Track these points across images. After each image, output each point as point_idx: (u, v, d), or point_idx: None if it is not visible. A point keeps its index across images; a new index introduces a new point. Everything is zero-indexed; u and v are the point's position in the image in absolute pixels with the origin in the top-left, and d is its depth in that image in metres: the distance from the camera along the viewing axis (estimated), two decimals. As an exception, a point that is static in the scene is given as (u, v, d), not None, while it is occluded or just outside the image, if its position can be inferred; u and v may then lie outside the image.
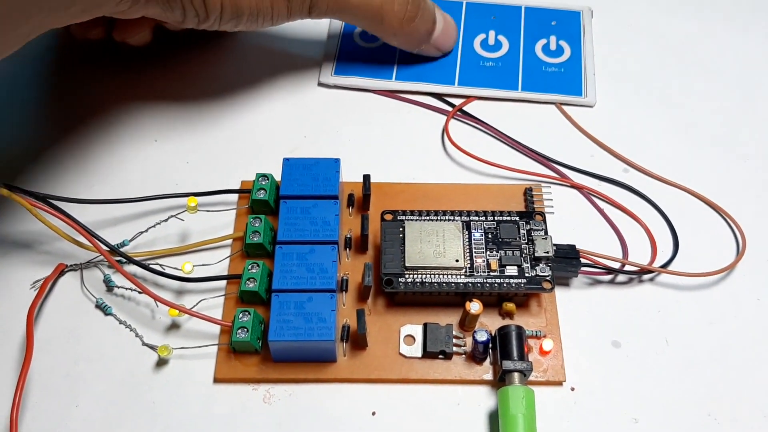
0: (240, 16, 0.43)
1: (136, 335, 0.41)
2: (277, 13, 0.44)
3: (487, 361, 0.41)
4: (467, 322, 0.41)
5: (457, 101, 0.51)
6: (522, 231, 0.42)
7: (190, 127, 0.49)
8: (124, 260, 0.42)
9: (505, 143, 0.49)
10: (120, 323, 0.41)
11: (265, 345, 0.40)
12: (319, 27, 0.54)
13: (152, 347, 0.40)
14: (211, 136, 0.49)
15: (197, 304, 0.41)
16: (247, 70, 0.52)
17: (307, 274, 0.40)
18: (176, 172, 0.47)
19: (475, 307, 0.40)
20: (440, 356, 0.40)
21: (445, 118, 0.50)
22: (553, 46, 0.54)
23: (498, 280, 0.41)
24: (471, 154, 0.47)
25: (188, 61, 0.52)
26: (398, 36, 0.49)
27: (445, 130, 0.49)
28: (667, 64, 0.53)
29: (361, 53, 0.53)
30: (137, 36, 0.48)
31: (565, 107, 0.51)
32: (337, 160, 0.44)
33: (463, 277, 0.41)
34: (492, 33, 0.54)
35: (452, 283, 0.40)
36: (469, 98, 0.51)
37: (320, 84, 0.52)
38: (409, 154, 0.49)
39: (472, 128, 0.50)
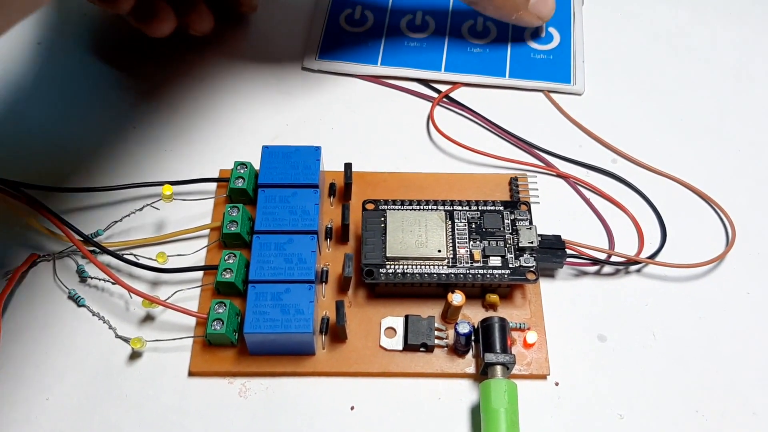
0: None
1: (110, 327, 0.40)
2: None
3: (470, 354, 0.40)
4: (450, 314, 0.40)
5: (443, 87, 0.50)
6: (506, 221, 0.41)
7: (169, 113, 0.48)
8: (98, 250, 0.41)
9: (491, 131, 0.48)
10: (93, 315, 0.40)
11: (241, 338, 0.39)
12: (304, 10, 0.53)
13: (126, 339, 0.39)
14: (191, 123, 0.48)
15: (172, 295, 0.40)
16: (229, 55, 0.51)
17: (285, 265, 0.39)
18: (155, 160, 0.46)
19: (457, 298, 0.39)
20: (422, 349, 0.40)
21: (430, 104, 0.49)
22: (542, 33, 0.53)
23: (481, 271, 0.40)
24: (456, 141, 0.46)
25: (168, 46, 0.51)
26: (495, 1, 0.47)
27: (430, 116, 0.48)
28: (658, 52, 0.52)
29: (347, 37, 0.52)
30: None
31: (553, 95, 0.50)
32: (317, 148, 0.43)
33: (445, 267, 0.40)
34: (480, 19, 0.53)
35: (434, 274, 0.40)
36: (455, 84, 0.50)
37: (304, 68, 0.51)
38: (393, 141, 0.48)
39: (458, 116, 0.49)
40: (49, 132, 0.47)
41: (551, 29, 0.53)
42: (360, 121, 0.48)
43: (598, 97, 0.50)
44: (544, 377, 0.39)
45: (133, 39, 0.51)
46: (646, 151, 0.47)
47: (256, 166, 0.43)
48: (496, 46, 0.52)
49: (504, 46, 0.52)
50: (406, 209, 0.41)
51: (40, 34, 0.52)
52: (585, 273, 0.43)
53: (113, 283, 0.40)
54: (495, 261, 0.40)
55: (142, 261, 0.41)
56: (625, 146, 0.47)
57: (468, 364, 0.39)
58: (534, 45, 0.52)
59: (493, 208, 0.42)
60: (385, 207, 0.41)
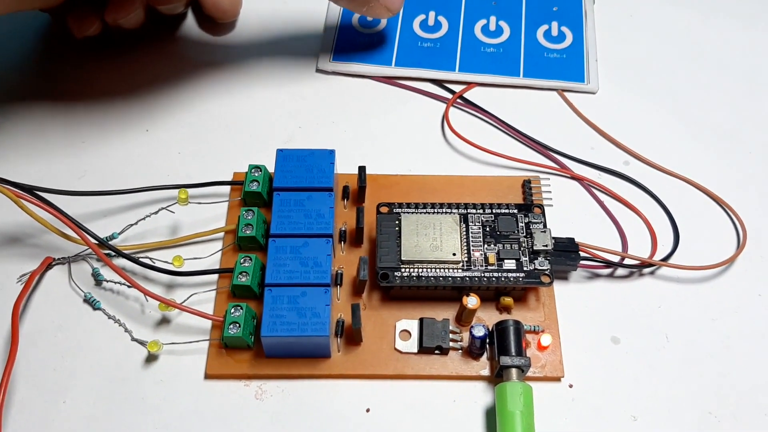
0: None
1: (126, 330, 0.40)
2: None
3: (484, 356, 0.40)
4: (464, 317, 0.40)
5: (457, 88, 0.50)
6: (520, 224, 0.41)
7: (182, 116, 0.48)
8: (113, 253, 0.41)
9: (505, 132, 0.48)
10: (109, 318, 0.41)
11: (257, 340, 0.39)
12: (317, 13, 0.53)
13: (142, 342, 0.39)
14: (203, 125, 0.48)
15: (188, 298, 0.40)
16: (243, 58, 0.51)
17: (301, 268, 0.39)
18: (168, 163, 0.46)
19: (472, 301, 0.39)
20: (436, 352, 0.40)
21: (444, 105, 0.49)
22: (554, 32, 0.53)
23: (495, 274, 0.40)
24: (471, 142, 0.46)
25: (181, 49, 0.51)
26: None
27: (445, 117, 0.48)
28: (671, 53, 0.52)
29: (360, 39, 0.52)
30: (130, 16, 0.47)
31: (567, 94, 0.50)
32: (332, 152, 0.43)
33: (460, 271, 0.40)
34: (493, 18, 0.53)
35: (449, 277, 0.40)
36: (469, 84, 0.50)
37: (318, 70, 0.51)
38: (408, 143, 0.48)
39: (473, 116, 0.49)
40: (60, 135, 0.47)
41: (564, 28, 0.53)
42: (374, 122, 0.48)
43: (611, 97, 0.50)
44: (558, 379, 0.40)
45: (143, 42, 0.51)
46: (659, 152, 0.47)
47: (270, 168, 0.43)
48: (510, 46, 0.52)
49: (517, 45, 0.52)
50: (421, 212, 0.42)
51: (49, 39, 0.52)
52: (598, 275, 0.43)
53: (129, 287, 0.40)
54: (509, 264, 0.40)
55: (157, 264, 0.41)
56: (638, 147, 0.47)
57: (483, 366, 0.39)
58: (547, 44, 0.52)
59: (507, 211, 0.42)
60: (400, 210, 0.42)
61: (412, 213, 0.41)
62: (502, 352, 0.38)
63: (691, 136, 0.48)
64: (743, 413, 0.39)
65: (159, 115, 0.48)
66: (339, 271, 0.42)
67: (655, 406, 0.39)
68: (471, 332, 0.39)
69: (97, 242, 0.40)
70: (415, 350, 0.40)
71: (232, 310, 0.38)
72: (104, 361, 0.40)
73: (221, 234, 0.43)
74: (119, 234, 0.42)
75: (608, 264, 0.42)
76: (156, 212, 0.42)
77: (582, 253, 0.42)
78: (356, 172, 0.44)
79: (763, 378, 0.40)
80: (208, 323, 0.40)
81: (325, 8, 0.53)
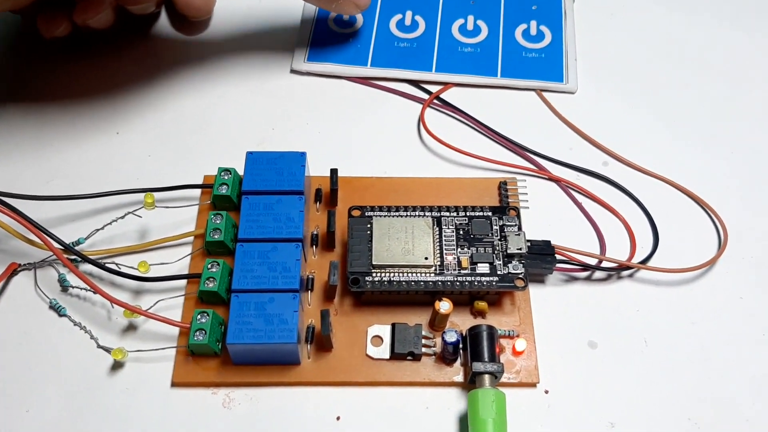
0: None
1: (91, 337, 0.39)
2: None
3: (458, 362, 0.39)
4: (437, 322, 0.39)
5: (434, 88, 0.49)
6: (495, 227, 0.41)
7: (153, 118, 0.48)
8: (79, 259, 0.40)
9: (482, 133, 0.47)
10: (75, 325, 0.40)
11: (224, 347, 0.38)
12: (292, 12, 0.52)
13: (107, 350, 0.39)
14: (175, 127, 0.47)
15: (154, 304, 0.39)
16: (216, 58, 0.51)
17: (269, 274, 0.38)
18: (138, 166, 0.45)
19: (444, 306, 0.38)
20: (409, 358, 0.39)
21: (421, 106, 0.48)
22: (533, 31, 0.52)
23: (469, 279, 0.39)
24: (447, 144, 0.46)
25: (153, 49, 0.51)
26: None
27: (421, 118, 0.48)
28: (651, 52, 0.52)
29: (336, 39, 0.51)
30: (99, 17, 0.46)
31: (545, 94, 0.49)
32: (302, 154, 0.42)
33: (432, 275, 0.39)
34: (471, 18, 0.52)
35: (421, 281, 0.39)
36: (446, 85, 0.50)
37: (293, 71, 0.50)
38: (383, 144, 0.47)
39: (450, 117, 0.48)
40: (29, 138, 0.47)
41: (542, 27, 0.52)
42: (349, 124, 0.48)
43: (590, 97, 0.49)
44: (533, 385, 0.39)
45: (114, 43, 0.50)
46: (638, 152, 0.46)
47: (241, 171, 0.42)
48: (488, 45, 0.51)
49: (495, 44, 0.51)
50: (393, 215, 0.41)
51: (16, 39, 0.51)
52: (576, 279, 0.42)
53: (95, 293, 0.39)
54: (483, 268, 0.39)
55: (124, 270, 0.40)
56: (617, 147, 0.47)
57: (456, 372, 0.39)
58: (526, 43, 0.51)
59: (481, 213, 0.41)
60: (372, 213, 0.41)
61: (385, 216, 0.41)
62: (474, 358, 0.37)
63: (671, 135, 0.47)
64: (723, 419, 0.38)
65: (130, 117, 0.47)
66: (310, 276, 0.41)
67: (633, 412, 0.38)
68: (443, 338, 0.38)
69: (62, 248, 0.39)
70: (387, 356, 0.39)
71: (199, 317, 0.38)
72: (69, 369, 0.39)
73: (191, 238, 0.42)
74: (86, 239, 0.42)
75: (585, 267, 0.42)
76: (123, 216, 0.42)
77: (559, 256, 0.41)
78: (329, 174, 0.43)
79: (743, 383, 0.39)
80: (175, 330, 0.39)
81: (301, 7, 0.52)
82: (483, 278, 0.39)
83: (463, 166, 0.46)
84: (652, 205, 0.44)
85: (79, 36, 0.49)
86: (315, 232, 0.42)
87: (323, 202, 0.43)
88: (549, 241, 0.41)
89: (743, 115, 0.48)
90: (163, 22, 0.52)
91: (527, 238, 0.40)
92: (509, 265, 0.39)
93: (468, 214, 0.41)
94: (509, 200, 0.43)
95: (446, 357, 0.39)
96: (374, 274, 0.39)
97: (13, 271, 0.41)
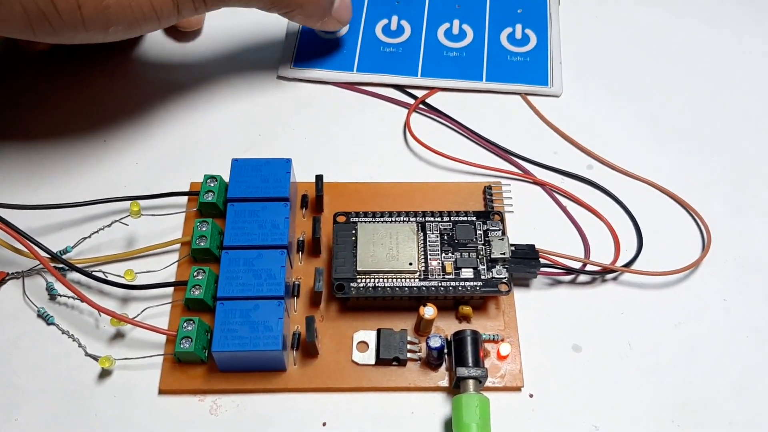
0: (109, 24, 0.39)
1: (79, 345, 0.40)
2: (161, 12, 0.40)
3: (443, 367, 0.39)
4: (422, 327, 0.39)
5: (420, 93, 0.50)
6: (479, 231, 0.41)
7: (140, 125, 0.48)
8: (66, 268, 0.40)
9: (468, 138, 0.48)
10: (63, 333, 0.40)
11: (211, 355, 0.38)
12: (279, 19, 0.52)
13: (95, 358, 0.39)
14: (162, 135, 0.47)
15: (141, 312, 0.40)
16: (203, 65, 0.51)
17: (254, 281, 0.39)
18: (125, 174, 0.46)
19: (429, 311, 0.38)
20: (394, 363, 0.39)
21: (407, 111, 0.48)
22: (518, 35, 0.52)
23: (453, 284, 0.39)
24: (433, 148, 0.46)
25: (140, 57, 0.51)
26: (304, 7, 0.45)
27: (406, 123, 0.48)
28: (635, 55, 0.52)
29: (322, 45, 0.52)
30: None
31: (530, 98, 0.49)
32: (288, 161, 0.42)
33: (417, 280, 0.39)
34: (456, 22, 0.53)
35: (406, 287, 0.39)
36: (432, 89, 0.50)
37: (279, 77, 0.50)
38: (369, 150, 0.47)
39: (435, 122, 0.49)
40: (15, 147, 0.47)
41: (527, 30, 0.52)
42: (336, 129, 0.48)
43: (575, 100, 0.49)
44: (518, 389, 0.39)
45: (97, 50, 0.50)
46: (623, 155, 0.47)
47: (227, 178, 0.42)
48: (473, 50, 0.51)
49: (480, 49, 0.51)
50: (378, 221, 0.41)
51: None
52: (560, 282, 0.42)
53: (82, 301, 0.39)
54: (467, 273, 0.40)
55: (111, 278, 0.40)
56: (602, 150, 0.47)
57: (441, 377, 0.39)
58: (511, 47, 0.51)
59: (465, 218, 0.41)
60: (357, 219, 0.41)
61: (369, 222, 0.41)
62: (458, 363, 0.38)
63: (655, 138, 0.48)
64: (707, 421, 0.38)
65: (117, 125, 0.48)
66: (296, 282, 0.41)
67: (617, 416, 0.38)
68: (427, 343, 0.38)
69: (49, 256, 0.40)
70: (373, 362, 0.39)
71: (185, 325, 0.38)
72: (58, 377, 0.39)
73: (177, 246, 0.42)
74: (73, 247, 0.42)
75: (569, 271, 0.42)
76: (109, 225, 0.42)
77: (543, 260, 0.41)
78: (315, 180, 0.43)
79: (727, 385, 0.39)
80: (162, 338, 0.40)
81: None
82: (467, 283, 0.39)
83: (449, 170, 0.46)
84: (636, 208, 0.44)
85: (62, 48, 0.49)
86: (301, 239, 0.42)
87: (309, 208, 0.44)
88: (533, 246, 0.41)
89: (727, 117, 0.49)
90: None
91: (511, 242, 0.41)
92: (493, 269, 0.40)
93: (452, 219, 0.41)
94: (494, 204, 0.43)
95: (431, 362, 0.39)
96: (359, 280, 0.39)
97: (1, 279, 0.41)
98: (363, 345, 0.40)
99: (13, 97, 0.49)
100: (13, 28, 0.38)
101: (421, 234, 0.41)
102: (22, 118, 0.48)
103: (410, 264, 0.39)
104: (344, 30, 0.52)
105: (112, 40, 0.41)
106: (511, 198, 0.44)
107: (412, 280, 0.39)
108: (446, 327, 0.40)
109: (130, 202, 0.41)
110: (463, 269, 0.40)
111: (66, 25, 0.38)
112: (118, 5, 0.38)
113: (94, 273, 0.40)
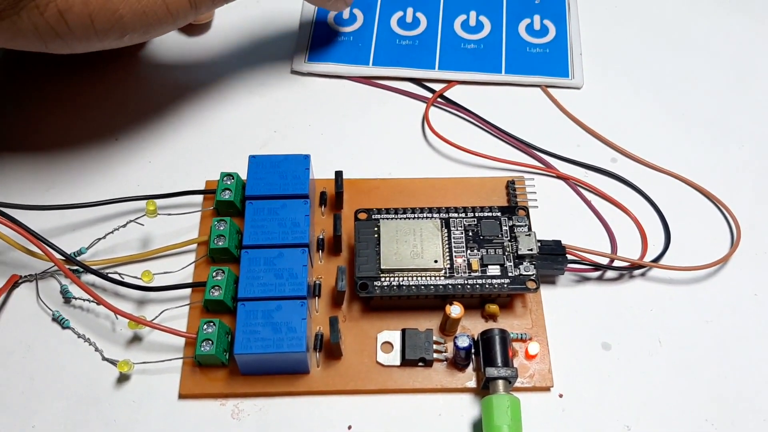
0: (124, 32, 0.38)
1: (96, 349, 0.39)
2: (177, 13, 0.39)
3: (470, 367, 0.38)
4: (448, 327, 0.38)
5: (437, 87, 0.49)
6: (504, 227, 0.40)
7: (152, 123, 0.47)
8: (81, 269, 0.39)
9: (488, 131, 0.47)
10: (78, 337, 0.39)
11: (232, 357, 0.37)
12: (292, 12, 0.51)
13: (113, 362, 0.38)
14: (175, 132, 0.46)
15: (159, 314, 0.39)
16: (216, 60, 0.50)
17: (276, 281, 0.38)
18: (138, 173, 0.45)
19: (455, 310, 0.37)
20: (420, 364, 0.38)
21: (425, 105, 0.47)
22: (537, 26, 0.51)
23: (480, 281, 0.38)
24: (452, 143, 0.45)
25: (151, 52, 0.50)
26: None
27: (425, 117, 0.47)
28: (658, 45, 0.51)
29: (337, 38, 0.51)
30: None
31: (550, 90, 0.48)
32: (306, 157, 0.41)
33: (442, 278, 0.38)
34: (473, 14, 0.52)
35: (431, 285, 0.38)
36: (450, 83, 0.49)
37: (293, 72, 0.49)
38: (387, 145, 0.46)
39: (454, 116, 0.48)
40: (27, 147, 0.46)
41: (546, 21, 0.51)
42: (352, 124, 0.47)
43: (597, 92, 0.48)
44: (547, 389, 0.38)
45: (115, 50, 0.49)
46: (648, 148, 0.46)
47: (244, 176, 0.41)
48: (491, 41, 0.50)
49: (499, 40, 0.50)
50: (400, 218, 0.40)
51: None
52: (587, 279, 0.41)
53: (98, 304, 0.38)
54: (494, 270, 0.39)
55: (127, 279, 0.39)
56: (626, 143, 0.46)
57: (469, 378, 0.38)
58: (530, 39, 0.50)
59: (490, 214, 0.40)
60: (379, 216, 0.40)
61: (392, 219, 0.40)
62: (487, 363, 0.37)
63: (680, 130, 0.47)
64: (742, 419, 0.38)
65: (128, 122, 0.47)
66: (317, 282, 0.40)
67: (649, 415, 0.38)
68: (455, 343, 0.37)
69: (63, 258, 0.39)
70: (398, 363, 0.38)
71: (205, 327, 0.37)
72: (74, 382, 0.38)
73: (194, 246, 0.41)
74: (87, 249, 0.41)
75: (597, 267, 0.41)
76: (124, 225, 0.41)
77: (569, 256, 0.40)
78: (334, 176, 0.42)
79: (761, 381, 0.38)
80: (181, 340, 0.39)
81: (300, 8, 0.52)
82: (494, 280, 0.38)
83: (469, 165, 0.45)
84: (662, 202, 0.44)
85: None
86: (321, 237, 0.41)
87: (328, 206, 0.43)
88: (559, 241, 0.40)
89: (754, 106, 0.48)
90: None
91: (537, 238, 0.40)
92: (520, 266, 0.39)
93: (477, 214, 0.40)
94: (517, 199, 0.42)
95: (458, 362, 0.38)
96: (383, 279, 0.38)
97: (14, 283, 0.40)
98: (387, 345, 0.39)
99: (23, 96, 0.48)
100: (25, 43, 0.37)
101: (445, 230, 0.40)
102: (33, 116, 0.47)
103: (435, 261, 0.38)
104: (359, 22, 0.51)
105: (128, 45, 0.39)
106: (534, 193, 0.43)
107: (438, 278, 0.38)
108: (472, 326, 0.39)
109: (145, 201, 0.40)
110: (489, 266, 0.39)
111: (78, 37, 0.37)
112: (132, 13, 0.37)
113: (109, 275, 0.39)
